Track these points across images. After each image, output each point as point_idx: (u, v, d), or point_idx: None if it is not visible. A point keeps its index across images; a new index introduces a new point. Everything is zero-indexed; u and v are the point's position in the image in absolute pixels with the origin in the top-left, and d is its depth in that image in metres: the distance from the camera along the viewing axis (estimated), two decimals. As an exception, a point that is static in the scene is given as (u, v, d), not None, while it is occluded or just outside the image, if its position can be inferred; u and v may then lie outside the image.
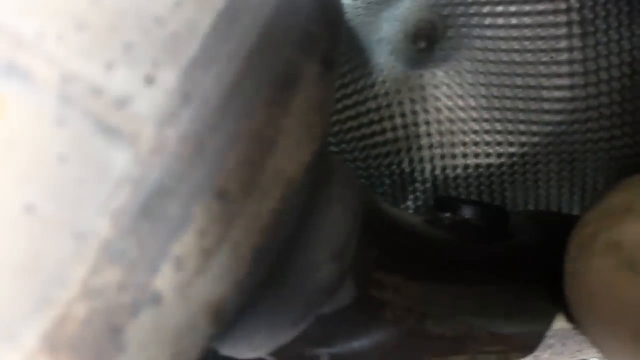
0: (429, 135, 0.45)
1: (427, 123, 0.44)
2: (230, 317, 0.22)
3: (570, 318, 0.32)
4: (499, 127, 0.43)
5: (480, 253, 0.31)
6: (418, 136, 0.45)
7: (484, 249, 0.32)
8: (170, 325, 0.19)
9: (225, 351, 0.26)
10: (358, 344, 0.27)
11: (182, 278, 0.19)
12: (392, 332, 0.27)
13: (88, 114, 0.18)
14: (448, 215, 0.32)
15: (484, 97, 0.42)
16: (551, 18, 0.38)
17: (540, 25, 0.39)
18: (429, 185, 0.46)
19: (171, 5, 0.19)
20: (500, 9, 0.39)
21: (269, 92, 0.20)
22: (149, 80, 0.18)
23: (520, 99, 0.42)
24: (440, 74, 0.43)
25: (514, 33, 0.40)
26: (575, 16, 0.38)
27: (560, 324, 0.33)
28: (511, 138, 0.43)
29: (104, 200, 0.18)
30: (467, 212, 0.32)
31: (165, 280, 0.19)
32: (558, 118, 0.41)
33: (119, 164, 0.18)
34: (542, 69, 0.40)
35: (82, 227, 0.18)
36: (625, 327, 0.21)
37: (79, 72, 0.18)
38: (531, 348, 0.33)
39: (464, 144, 0.44)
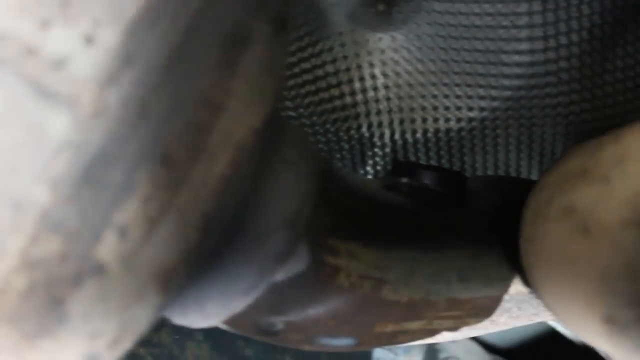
0: (388, 99, 0.44)
1: (386, 87, 0.44)
2: (180, 286, 0.21)
3: (527, 282, 0.32)
4: (458, 91, 0.43)
5: (437, 218, 0.31)
6: (377, 100, 0.44)
7: (441, 214, 0.31)
8: (115, 295, 0.19)
9: (176, 320, 0.26)
10: (313, 311, 0.27)
11: (127, 247, 0.18)
12: (347, 298, 0.27)
13: (22, 75, 0.17)
14: (406, 180, 0.32)
15: (443, 61, 0.42)
16: (511, -19, 0.38)
17: (500, -12, 0.38)
18: (387, 150, 0.46)
19: (112, -39, 0.18)
20: (459, -30, 0.39)
21: (217, 53, 0.19)
22: (88, 40, 0.17)
23: (480, 63, 0.41)
24: (399, 37, 0.42)
25: (474, -4, 0.39)
26: (535, -21, 0.38)
27: (516, 287, 0.33)
28: (470, 102, 0.43)
29: (42, 167, 0.17)
30: (425, 177, 0.32)
31: (108, 249, 0.18)
32: (517, 82, 0.41)
33: (57, 129, 0.17)
34: (502, 32, 0.40)
35: (19, 195, 0.17)
36: (579, 291, 0.21)
37: (11, 31, 0.17)
38: (488, 312, 0.33)
39: (423, 109, 0.44)
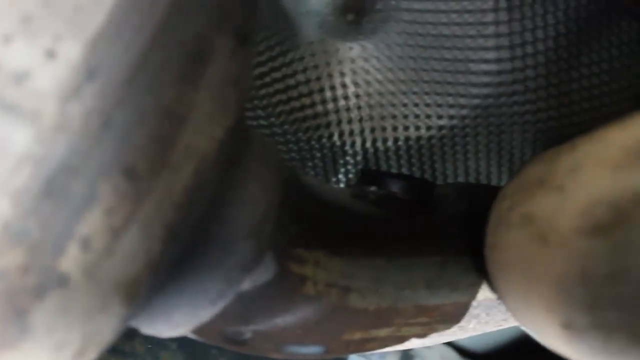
0: (359, 108, 0.45)
1: (357, 96, 0.44)
2: (145, 296, 0.21)
3: (494, 288, 0.32)
4: (427, 99, 0.43)
5: (404, 226, 0.31)
6: (348, 109, 0.45)
7: (409, 222, 0.32)
8: (79, 307, 0.19)
9: (145, 329, 0.26)
10: (281, 320, 0.27)
11: (90, 258, 0.19)
12: (314, 307, 0.27)
13: None
14: (373, 189, 0.32)
15: (413, 69, 0.42)
16: (477, -9, 0.38)
17: (467, -2, 0.39)
18: (359, 158, 0.46)
19: (74, -24, 0.18)
20: (427, -19, 0.39)
21: (179, 66, 0.19)
22: (50, 54, 0.17)
23: (448, 71, 0.42)
24: (369, 46, 0.43)
25: (442, 6, 0.39)
26: (501, -11, 0.38)
27: (484, 294, 0.33)
28: (440, 111, 0.43)
29: (3, 180, 0.17)
30: (393, 186, 0.32)
31: (71, 261, 0.18)
32: (485, 91, 0.41)
33: (18, 142, 0.17)
34: (469, 42, 0.40)
35: (-20, 208, 0.17)
36: (538, 297, 0.21)
37: (-29, 46, 0.17)
38: (456, 318, 0.33)
39: (394, 117, 0.44)
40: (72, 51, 0.18)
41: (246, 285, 0.25)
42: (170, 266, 0.22)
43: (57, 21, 0.18)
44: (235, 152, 0.23)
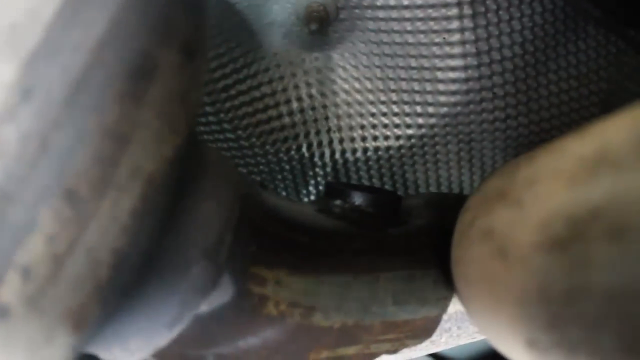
0: (327, 118, 0.44)
1: (324, 106, 0.43)
2: (95, 324, 0.20)
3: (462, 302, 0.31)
4: (395, 109, 0.43)
5: (371, 240, 0.31)
6: (315, 120, 0.44)
7: (374, 236, 0.31)
8: (22, 337, 0.18)
9: (102, 355, 0.25)
10: (243, 343, 0.26)
11: (31, 287, 0.18)
12: (277, 327, 0.27)
13: None
14: (339, 202, 0.32)
15: (380, 79, 0.42)
16: (442, -2, 0.38)
17: (431, 6, 0.38)
18: (329, 169, 0.46)
19: (7, -8, 0.17)
20: (391, -11, 0.38)
21: (121, 84, 0.18)
22: None
23: (415, 80, 0.41)
24: (335, 56, 0.42)
25: (406, 14, 0.39)
26: (465, -4, 0.38)
27: (455, 307, 0.32)
28: (408, 120, 0.43)
29: None
30: (357, 199, 0.32)
31: (11, 290, 0.17)
32: (453, 99, 0.41)
33: (-51, 168, 0.16)
34: (435, 49, 0.40)
35: None
36: (502, 315, 0.21)
37: None
38: (427, 333, 0.32)
39: (362, 127, 0.44)
40: (7, 71, 0.17)
41: (204, 307, 0.24)
42: (121, 291, 0.21)
43: (-10, 40, 0.17)
44: (186, 171, 0.23)
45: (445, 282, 0.32)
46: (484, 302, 0.22)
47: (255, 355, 0.27)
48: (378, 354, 0.31)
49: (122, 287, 0.21)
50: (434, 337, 0.33)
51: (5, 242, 0.17)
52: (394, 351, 0.31)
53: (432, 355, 0.74)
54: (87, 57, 0.18)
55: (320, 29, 0.40)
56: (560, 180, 0.19)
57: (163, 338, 0.24)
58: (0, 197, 0.17)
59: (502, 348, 0.23)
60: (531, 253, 0.19)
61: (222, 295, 0.25)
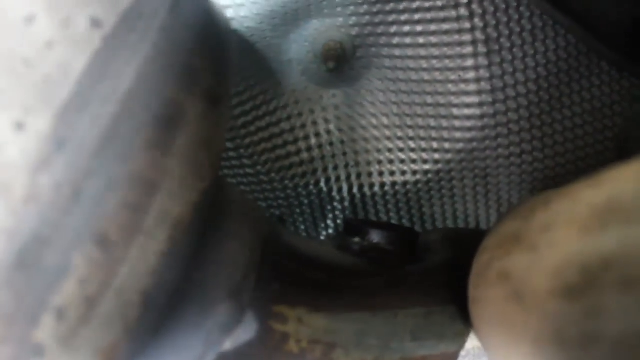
0: (344, 154, 0.45)
1: (342, 142, 0.44)
2: (123, 362, 0.21)
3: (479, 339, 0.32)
4: (412, 144, 0.43)
5: (389, 278, 0.31)
6: (333, 155, 0.45)
7: (393, 272, 0.31)
8: (55, 377, 0.19)
9: (127, 392, 0.26)
10: (265, 378, 0.27)
11: (65, 328, 0.18)
12: (298, 364, 0.27)
13: None
14: (357, 240, 0.32)
15: (396, 115, 0.43)
16: (456, 37, 0.39)
17: (447, 44, 0.39)
18: (347, 204, 0.46)
19: (42, 47, 0.18)
20: (406, 28, 0.39)
21: (149, 133, 0.19)
22: (19, 126, 0.17)
23: (432, 116, 0.42)
24: (352, 92, 0.43)
25: (422, 52, 0.40)
26: (479, 35, 0.38)
27: (472, 342, 0.33)
28: (425, 155, 0.43)
29: (-27, 254, 0.17)
30: (375, 236, 0.32)
31: (46, 331, 0.18)
32: (469, 135, 0.42)
33: (-13, 216, 0.17)
34: (451, 87, 0.40)
35: (-49, 282, 0.17)
36: (518, 353, 0.21)
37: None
38: (445, 368, 0.33)
39: (379, 162, 0.45)
40: (41, 123, 0.18)
41: (227, 345, 0.25)
42: (148, 330, 0.22)
43: (26, 93, 0.18)
44: (211, 214, 0.23)
45: (463, 318, 0.32)
46: (501, 341, 0.23)
47: (276, 392, 0.27)
48: (397, 390, 0.31)
49: (149, 326, 0.21)
50: (452, 372, 0.33)
51: (41, 285, 0.18)
52: (412, 386, 0.32)
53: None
54: (116, 107, 0.19)
55: (338, 66, 0.41)
56: (574, 227, 0.19)
57: (187, 375, 0.24)
58: (36, 241, 0.18)
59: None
60: (546, 298, 0.19)
61: (245, 333, 0.25)
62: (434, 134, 0.42)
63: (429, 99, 0.41)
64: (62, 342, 0.18)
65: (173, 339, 0.23)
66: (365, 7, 0.39)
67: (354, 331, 0.28)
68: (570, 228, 0.19)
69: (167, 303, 0.22)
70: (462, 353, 0.32)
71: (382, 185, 0.45)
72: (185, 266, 0.22)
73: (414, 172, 0.44)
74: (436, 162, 0.43)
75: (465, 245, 0.35)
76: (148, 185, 0.19)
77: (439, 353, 0.31)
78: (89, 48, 0.19)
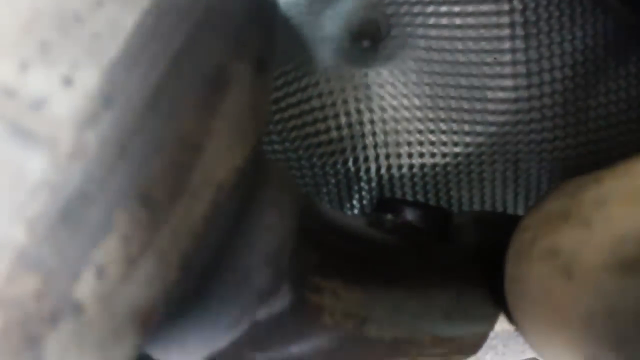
0: (374, 134, 0.44)
1: (372, 122, 0.44)
2: (159, 324, 0.21)
3: (512, 320, 0.32)
4: (443, 126, 0.43)
5: (422, 255, 0.31)
6: (362, 135, 0.44)
7: (426, 251, 0.31)
8: (93, 334, 0.19)
9: (157, 356, 0.26)
10: (296, 349, 0.27)
11: (105, 286, 0.18)
12: (331, 336, 0.27)
13: (1, 116, 0.17)
14: (389, 217, 0.32)
15: (428, 96, 0.42)
16: (494, 19, 0.38)
17: (484, 26, 0.39)
18: (374, 184, 0.46)
19: (92, 4, 0.18)
20: (444, 8, 0.39)
21: (197, 95, 0.19)
22: (67, 82, 0.17)
23: (464, 99, 0.41)
24: (384, 72, 0.43)
25: (458, 33, 0.39)
26: (518, 17, 0.38)
27: (502, 325, 0.33)
28: (455, 138, 0.43)
29: (19, 206, 0.17)
30: (409, 214, 0.32)
31: (86, 288, 0.18)
32: (502, 118, 0.41)
33: (35, 169, 0.17)
34: (486, 69, 0.40)
35: (-5, 234, 0.17)
36: (562, 333, 0.21)
37: (-11, 72, 0.17)
38: (473, 350, 0.32)
39: (409, 144, 0.44)
40: (89, 79, 0.18)
41: (262, 313, 0.25)
42: (186, 294, 0.22)
43: (75, 49, 0.18)
44: (253, 181, 0.23)
45: (493, 300, 0.32)
46: (544, 319, 0.23)
47: (306, 362, 0.27)
48: (424, 368, 0.31)
49: (187, 290, 0.21)
50: (480, 354, 0.33)
51: (83, 241, 0.18)
52: (440, 366, 0.32)
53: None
54: (166, 67, 0.19)
55: (372, 45, 0.41)
56: (630, 202, 0.19)
57: (221, 341, 0.24)
58: (81, 197, 0.18)
59: (557, 365, 0.23)
60: (600, 273, 0.19)
61: (280, 302, 0.25)
62: (466, 116, 0.42)
63: (463, 81, 0.41)
64: (101, 300, 0.18)
65: (208, 304, 0.23)
66: (402, -15, 0.39)
67: (387, 307, 0.28)
68: (627, 203, 0.19)
69: (206, 268, 0.22)
70: (491, 335, 0.32)
71: (411, 166, 0.45)
72: (226, 231, 0.22)
73: (444, 155, 0.44)
74: (467, 145, 0.43)
75: (496, 229, 0.35)
76: (194, 147, 0.19)
77: (468, 333, 0.31)
78: (139, 6, 0.19)
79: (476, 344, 0.32)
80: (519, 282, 0.25)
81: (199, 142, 0.19)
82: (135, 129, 0.18)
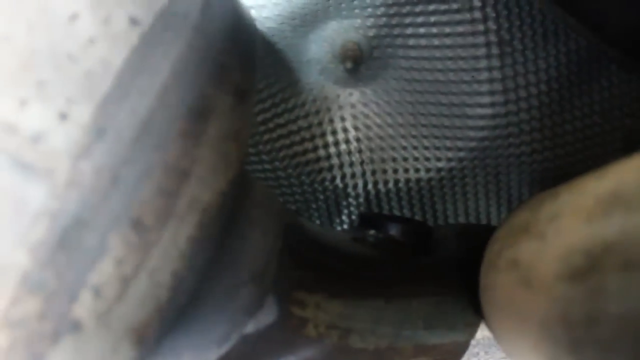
0: (360, 151, 0.46)
1: (358, 140, 0.46)
2: (153, 340, 0.22)
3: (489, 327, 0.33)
4: (426, 142, 0.44)
5: (403, 268, 0.32)
6: (349, 152, 0.46)
7: (407, 264, 0.33)
8: (92, 351, 0.20)
9: (154, 371, 0.27)
10: (283, 361, 0.28)
11: (101, 305, 0.20)
12: (315, 348, 0.28)
13: (3, 150, 0.18)
14: (372, 232, 0.34)
15: (411, 114, 0.44)
16: (470, 39, 0.40)
17: (461, 46, 0.40)
18: (361, 200, 0.47)
19: (84, 43, 0.20)
20: (422, 30, 0.41)
21: (182, 124, 0.20)
22: (63, 116, 0.19)
23: (445, 115, 0.43)
24: (368, 92, 0.44)
25: (437, 53, 0.41)
26: (492, 37, 0.40)
27: (483, 333, 0.34)
28: (438, 153, 0.45)
29: (22, 233, 0.18)
30: (391, 229, 0.33)
31: (84, 308, 0.19)
32: (481, 134, 0.43)
33: (35, 198, 0.18)
34: (464, 87, 0.41)
35: (1, 259, 0.18)
36: (526, 339, 0.22)
37: (-9, 111, 0.18)
38: (455, 357, 0.34)
39: (394, 160, 0.46)
40: (83, 113, 0.19)
41: (250, 327, 0.26)
42: (178, 310, 0.23)
43: (69, 86, 0.19)
44: (237, 202, 0.25)
45: (473, 309, 0.33)
46: (510, 326, 0.24)
47: (294, 374, 0.28)
48: (409, 377, 0.32)
49: (178, 307, 0.23)
50: (462, 361, 0.34)
51: (80, 264, 0.19)
52: (423, 374, 0.33)
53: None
54: (153, 100, 0.20)
55: (355, 66, 0.43)
56: (580, 216, 0.20)
57: (212, 354, 0.26)
58: (77, 223, 0.19)
59: (527, 369, 0.24)
60: (553, 282, 0.21)
61: (266, 316, 0.26)
62: (447, 132, 0.44)
63: (443, 99, 0.42)
64: (98, 318, 0.20)
65: (200, 319, 0.25)
66: (382, 9, 0.40)
67: (369, 318, 0.29)
68: (576, 217, 0.21)
69: (195, 285, 0.23)
70: (473, 342, 0.34)
71: (396, 182, 0.46)
72: (213, 251, 0.23)
73: (428, 170, 0.45)
74: (449, 160, 0.45)
75: (476, 240, 0.36)
76: (180, 173, 0.20)
77: (450, 342, 0.32)
78: (127, 44, 0.20)
79: (458, 352, 0.33)
80: (488, 291, 0.27)
81: (185, 168, 0.21)
82: (126, 158, 0.20)
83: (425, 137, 0.44)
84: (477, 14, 0.39)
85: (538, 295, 0.22)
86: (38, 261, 0.19)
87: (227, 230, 0.24)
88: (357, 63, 0.43)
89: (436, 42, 0.41)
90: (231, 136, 0.22)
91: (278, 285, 0.27)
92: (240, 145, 0.23)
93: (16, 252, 0.18)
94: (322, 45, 0.43)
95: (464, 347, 0.33)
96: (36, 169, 0.18)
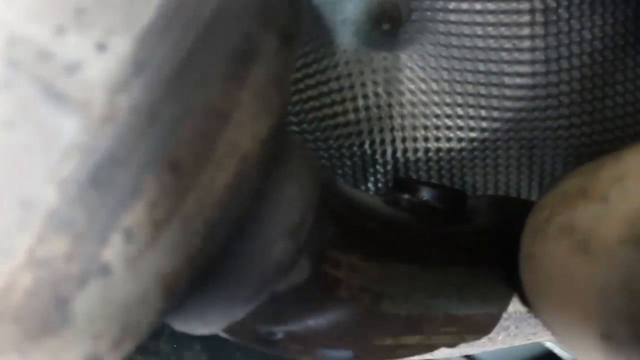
0: (391, 117, 0.45)
1: (389, 105, 0.44)
2: (182, 292, 0.21)
3: (525, 301, 0.32)
4: (460, 111, 0.43)
5: (437, 235, 0.31)
6: (380, 118, 0.45)
7: (441, 231, 0.32)
8: (119, 297, 0.19)
9: (178, 326, 0.26)
10: (313, 322, 0.27)
11: (132, 249, 0.19)
12: (347, 310, 0.27)
13: (36, 78, 0.17)
14: (406, 196, 0.32)
15: (446, 81, 0.43)
16: (514, 5, 0.38)
17: (504, 12, 0.39)
18: (389, 167, 0.46)
19: (127, -29, 0.19)
20: (464, -7, 0.39)
21: (226, 65, 0.19)
22: (101, 47, 0.18)
23: (482, 84, 0.42)
24: (403, 56, 0.43)
25: (477, 18, 0.40)
26: (538, 4, 0.38)
27: (514, 306, 0.33)
28: (472, 123, 0.43)
29: (51, 168, 0.17)
30: (425, 194, 0.32)
31: (114, 251, 0.18)
32: (519, 104, 0.41)
33: (67, 132, 0.17)
34: (504, 55, 0.40)
35: (28, 195, 0.17)
36: (578, 308, 0.21)
37: (26, 35, 0.17)
38: (486, 330, 0.33)
39: (425, 128, 0.45)
40: (122, 45, 0.18)
41: (281, 285, 0.25)
42: (208, 263, 0.22)
43: (109, 15, 0.18)
44: (275, 153, 0.24)
45: (507, 282, 0.32)
46: (559, 295, 0.23)
47: (322, 335, 0.28)
48: (437, 346, 0.32)
49: (209, 259, 0.22)
50: (492, 334, 0.33)
51: (112, 205, 0.18)
52: (452, 344, 0.32)
53: (468, 357, 0.74)
54: (196, 37, 0.19)
55: (392, 29, 0.41)
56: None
57: (240, 312, 0.25)
58: (111, 161, 0.18)
59: (572, 342, 0.23)
60: (616, 247, 0.19)
61: (299, 275, 0.25)
62: (483, 101, 0.42)
63: (481, 66, 0.41)
64: (128, 263, 0.19)
65: (229, 275, 0.24)
66: (424, -32, 0.39)
67: (403, 283, 0.29)
68: (644, 179, 0.19)
69: (228, 237, 0.22)
70: (504, 316, 0.33)
71: (427, 150, 0.45)
72: (248, 202, 0.22)
73: (460, 139, 0.44)
74: (483, 130, 0.43)
75: (510, 212, 0.35)
76: (221, 116, 0.19)
77: (482, 313, 0.32)
78: (171, -24, 0.19)
79: (489, 324, 0.32)
80: (534, 259, 0.26)
81: (226, 111, 0.20)
82: (165, 96, 0.18)
83: (459, 105, 0.43)
84: (523, -22, 0.38)
85: (597, 261, 0.20)
86: (67, 198, 0.18)
87: (264, 182, 0.23)
88: (395, 25, 0.41)
89: (478, 6, 0.39)
90: (274, 82, 0.21)
91: (312, 244, 0.26)
92: (283, 91, 0.22)
93: (44, 187, 0.17)
94: (358, 5, 0.41)
95: (495, 320, 0.33)
96: (70, 100, 0.17)
